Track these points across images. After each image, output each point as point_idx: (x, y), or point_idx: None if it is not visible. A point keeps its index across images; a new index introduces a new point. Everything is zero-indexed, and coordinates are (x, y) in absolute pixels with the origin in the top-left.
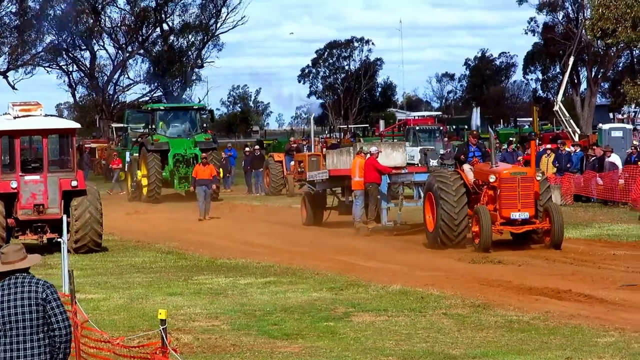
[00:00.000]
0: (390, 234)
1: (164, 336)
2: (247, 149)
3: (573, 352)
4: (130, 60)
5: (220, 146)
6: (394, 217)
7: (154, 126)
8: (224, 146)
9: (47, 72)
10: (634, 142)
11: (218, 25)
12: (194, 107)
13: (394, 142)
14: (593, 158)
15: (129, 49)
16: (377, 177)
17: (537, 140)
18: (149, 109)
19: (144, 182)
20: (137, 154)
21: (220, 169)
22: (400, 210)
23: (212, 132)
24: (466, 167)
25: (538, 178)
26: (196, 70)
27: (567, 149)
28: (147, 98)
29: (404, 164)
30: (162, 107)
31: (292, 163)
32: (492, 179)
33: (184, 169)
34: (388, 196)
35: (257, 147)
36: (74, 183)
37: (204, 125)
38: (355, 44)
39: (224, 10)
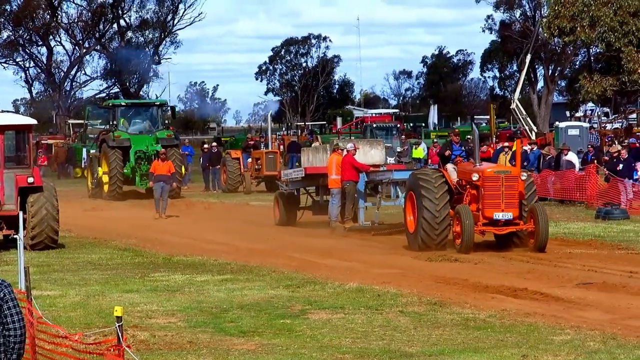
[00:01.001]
0: (367, 234)
1: (120, 333)
2: (205, 146)
3: (529, 350)
4: (87, 57)
5: None
6: (372, 217)
7: (115, 122)
8: (181, 143)
9: (4, 67)
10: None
11: (175, 22)
12: (156, 103)
13: (373, 139)
14: (549, 157)
15: (86, 45)
16: (354, 175)
17: (494, 138)
18: (110, 105)
19: (105, 179)
20: (96, 151)
21: (182, 166)
22: (378, 209)
23: (173, 129)
24: (449, 166)
25: (523, 177)
26: (153, 66)
27: (523, 147)
28: (104, 95)
29: (383, 161)
30: (123, 103)
31: (250, 160)
32: (475, 177)
33: (146, 165)
34: (365, 195)
35: (214, 144)
36: (30, 180)
37: (166, 121)
38: (313, 41)
39: (181, 6)
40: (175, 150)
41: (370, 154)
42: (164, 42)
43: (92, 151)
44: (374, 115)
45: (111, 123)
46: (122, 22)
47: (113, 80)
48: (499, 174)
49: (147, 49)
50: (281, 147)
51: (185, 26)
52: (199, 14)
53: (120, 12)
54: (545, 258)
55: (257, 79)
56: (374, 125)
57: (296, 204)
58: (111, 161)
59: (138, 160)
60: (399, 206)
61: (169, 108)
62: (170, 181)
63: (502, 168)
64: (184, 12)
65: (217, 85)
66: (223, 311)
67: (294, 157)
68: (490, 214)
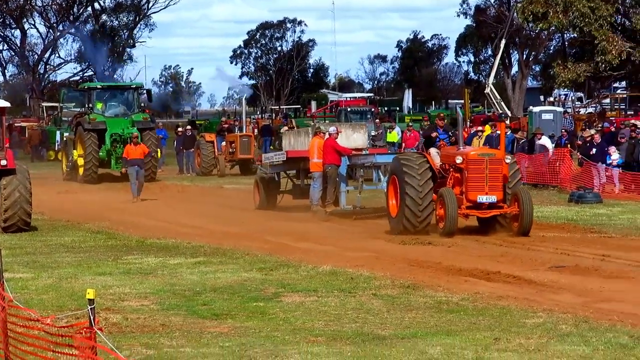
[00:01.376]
0: (349, 217)
1: (92, 316)
2: (179, 129)
3: (501, 333)
4: (61, 39)
5: None
6: (354, 201)
7: (90, 105)
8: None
9: None
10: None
11: (150, 5)
12: (132, 86)
13: (355, 122)
14: (522, 140)
15: (60, 27)
16: (336, 159)
17: (468, 122)
18: (86, 87)
19: (80, 162)
20: (70, 134)
21: (158, 150)
22: (360, 193)
23: (149, 112)
24: (433, 150)
25: (507, 160)
26: (128, 49)
27: (498, 131)
28: (78, 78)
29: (365, 145)
30: (99, 86)
31: (224, 144)
32: (458, 160)
33: (121, 148)
34: (347, 179)
35: (188, 127)
36: (3, 162)
37: (142, 104)
38: (288, 25)
39: None
40: (151, 133)
41: (352, 137)
42: (139, 25)
43: (66, 134)
44: (348, 99)
45: (87, 106)
46: (96, 5)
47: (87, 64)
48: (483, 156)
49: (121, 32)
50: (255, 130)
51: (160, 9)
52: None
53: None
54: (518, 241)
55: (232, 62)
56: (349, 109)
57: (276, 187)
58: (87, 144)
59: (114, 143)
60: (381, 190)
61: (144, 91)
62: (145, 164)
63: (486, 151)
64: None
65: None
66: (196, 294)
67: (267, 141)
68: (474, 196)
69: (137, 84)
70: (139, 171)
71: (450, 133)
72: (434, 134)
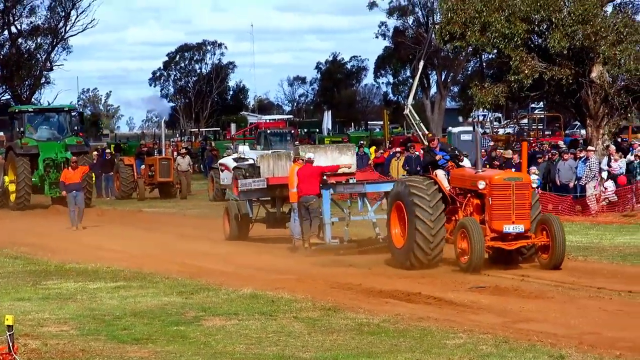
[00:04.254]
0: (335, 254)
1: (10, 342)
2: (94, 152)
3: (422, 355)
4: None
5: None
6: (341, 234)
7: (22, 129)
8: None
9: None
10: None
11: (67, 28)
12: (64, 108)
13: (342, 144)
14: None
15: None
16: (313, 188)
17: (387, 144)
18: (16, 111)
19: (12, 188)
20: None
21: (93, 174)
22: (347, 225)
23: (83, 135)
24: (440, 172)
25: (534, 185)
26: (45, 73)
27: (416, 152)
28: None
29: (354, 169)
30: (30, 109)
31: (143, 167)
32: (481, 185)
33: (55, 173)
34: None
35: (107, 150)
36: None
37: (75, 127)
38: (208, 47)
39: (73, 13)
40: (86, 157)
41: (339, 161)
42: (56, 48)
43: None
44: (268, 121)
45: (18, 130)
46: (13, 28)
47: (4, 87)
48: (509, 181)
49: (38, 55)
50: (174, 153)
51: (77, 33)
52: (91, 21)
53: (11, 18)
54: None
55: (150, 84)
56: (268, 131)
57: (247, 216)
58: (19, 170)
59: (47, 168)
60: (369, 220)
61: (77, 114)
62: (83, 189)
63: (511, 174)
64: (75, 19)
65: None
66: (116, 318)
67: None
68: (499, 226)
69: (69, 106)
70: (78, 196)
71: (450, 149)
72: (438, 157)
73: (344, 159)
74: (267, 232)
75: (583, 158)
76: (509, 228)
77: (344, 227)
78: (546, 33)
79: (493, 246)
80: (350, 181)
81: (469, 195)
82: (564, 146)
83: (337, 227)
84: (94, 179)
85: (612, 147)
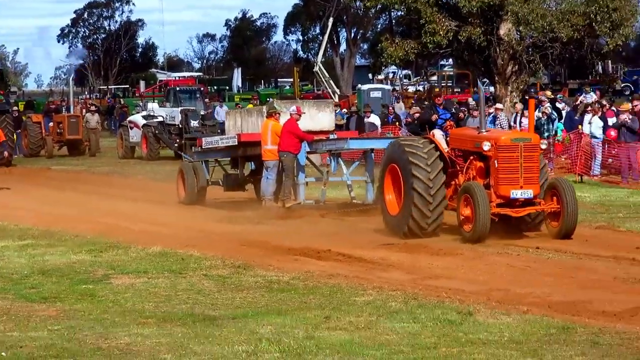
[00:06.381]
0: (312, 214)
1: None
2: None
3: (332, 311)
4: None
5: None
6: (317, 195)
7: None
8: None
9: None
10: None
11: None
12: None
13: (320, 100)
14: (351, 118)
15: None
16: (295, 146)
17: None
18: None
19: None
20: None
21: (14, 133)
22: (325, 186)
23: (3, 93)
24: (437, 132)
25: (543, 146)
26: None
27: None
28: None
29: (332, 127)
30: None
31: (51, 124)
32: (486, 146)
33: None
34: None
35: (15, 108)
36: None
37: None
38: (116, 4)
39: None
40: (7, 116)
41: (317, 117)
42: None
43: None
44: (177, 78)
45: None
46: None
47: None
48: (516, 142)
49: None
50: (83, 110)
51: None
52: None
53: None
54: (347, 220)
55: (59, 41)
56: (177, 89)
57: (205, 178)
58: None
59: None
60: (344, 182)
61: None
62: (1, 149)
63: (519, 135)
64: None
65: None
66: (24, 277)
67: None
68: (506, 191)
69: None
70: None
71: (454, 110)
72: (434, 117)
73: (322, 116)
74: (224, 195)
75: (492, 115)
76: (517, 193)
77: (321, 187)
78: None
79: (499, 213)
80: (331, 137)
81: (471, 157)
82: (473, 103)
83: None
84: (15, 139)
85: (519, 105)
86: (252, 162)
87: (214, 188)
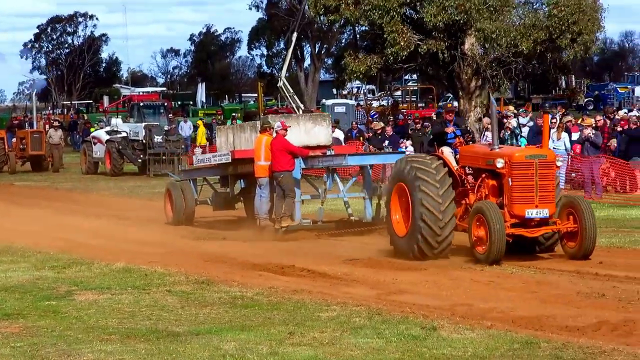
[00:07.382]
0: (309, 235)
1: None
2: None
3: (296, 327)
4: None
5: None
6: (314, 214)
7: None
8: None
9: None
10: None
11: None
12: None
13: (316, 114)
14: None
15: None
16: (288, 163)
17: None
18: None
19: None
20: None
21: None
22: (322, 204)
23: None
24: (446, 150)
25: (559, 164)
26: None
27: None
28: None
29: (329, 142)
30: None
31: (14, 140)
32: (499, 164)
33: None
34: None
35: None
36: None
37: None
38: (79, 19)
39: None
40: None
41: (313, 132)
42: None
43: None
44: (141, 93)
45: None
46: None
47: None
48: (531, 158)
49: None
50: (47, 126)
51: None
52: None
53: None
54: (310, 236)
55: (22, 57)
56: (141, 104)
57: (193, 197)
58: None
59: None
60: (340, 199)
61: None
62: None
63: (534, 151)
64: None
65: None
66: None
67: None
68: (521, 211)
69: None
70: None
71: (463, 127)
72: (448, 129)
73: (318, 130)
74: (213, 215)
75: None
76: (532, 213)
77: (319, 206)
78: (419, 6)
79: (513, 234)
80: (329, 153)
81: (482, 175)
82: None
83: (308, 207)
84: None
85: (486, 119)
86: (242, 180)
87: (202, 207)
